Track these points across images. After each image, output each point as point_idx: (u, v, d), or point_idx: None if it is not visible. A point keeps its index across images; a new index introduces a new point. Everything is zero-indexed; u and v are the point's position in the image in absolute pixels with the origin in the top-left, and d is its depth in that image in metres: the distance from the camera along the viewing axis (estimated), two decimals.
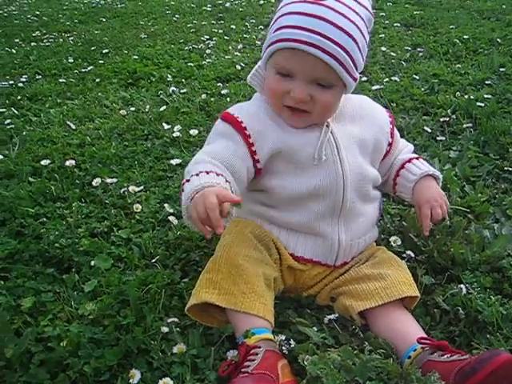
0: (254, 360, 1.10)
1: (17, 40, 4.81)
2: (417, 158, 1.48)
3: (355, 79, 1.26)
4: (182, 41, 4.30)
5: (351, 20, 1.20)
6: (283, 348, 1.19)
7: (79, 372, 1.19)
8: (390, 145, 1.43)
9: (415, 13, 4.74)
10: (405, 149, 1.51)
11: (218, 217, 1.05)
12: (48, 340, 1.28)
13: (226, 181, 1.17)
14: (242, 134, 1.27)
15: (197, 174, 1.15)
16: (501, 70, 3.02)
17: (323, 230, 1.32)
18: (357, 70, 1.25)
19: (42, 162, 2.18)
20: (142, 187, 1.96)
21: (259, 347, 1.13)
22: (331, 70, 1.20)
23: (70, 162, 2.14)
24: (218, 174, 1.16)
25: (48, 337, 1.29)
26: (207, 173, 1.15)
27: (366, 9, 1.25)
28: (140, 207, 1.81)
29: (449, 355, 1.10)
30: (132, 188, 1.91)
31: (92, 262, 1.56)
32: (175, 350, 1.22)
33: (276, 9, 1.31)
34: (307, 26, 1.18)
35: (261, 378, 1.06)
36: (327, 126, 1.31)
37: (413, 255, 1.49)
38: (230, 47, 4.02)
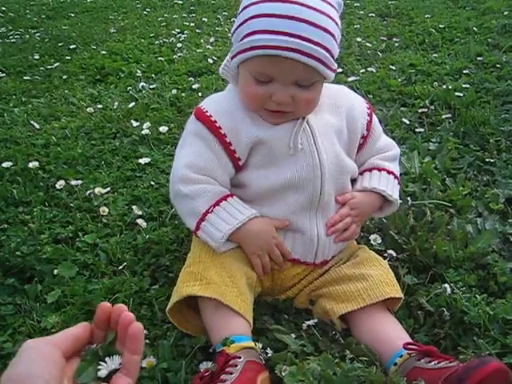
0: (232, 373, 1.03)
1: None
2: (379, 169, 1.35)
3: (334, 71, 1.21)
4: (152, 35, 4.20)
5: (324, 13, 1.13)
6: (260, 357, 1.13)
7: None
8: (364, 137, 1.34)
9: (390, 2, 4.68)
10: (385, 153, 1.39)
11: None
12: (8, 357, 1.21)
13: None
14: (217, 135, 1.22)
15: (209, 211, 1.22)
16: (478, 59, 2.98)
17: (301, 225, 1.26)
18: (334, 60, 1.19)
19: (4, 165, 2.08)
20: (109, 188, 1.88)
21: (239, 357, 1.07)
22: (311, 69, 1.14)
23: (33, 164, 2.04)
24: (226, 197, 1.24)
25: (8, 354, 1.22)
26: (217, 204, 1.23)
27: None
28: (107, 210, 1.73)
29: (436, 362, 1.05)
30: (98, 190, 1.82)
31: (55, 271, 1.48)
32: (144, 363, 1.16)
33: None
34: (282, 30, 1.10)
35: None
36: (302, 117, 1.25)
37: (394, 254, 1.44)
38: (202, 40, 3.93)
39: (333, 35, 1.15)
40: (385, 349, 1.14)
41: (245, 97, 1.23)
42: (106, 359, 0.69)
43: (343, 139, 1.30)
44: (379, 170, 1.35)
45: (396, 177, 1.37)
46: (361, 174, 1.37)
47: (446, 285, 1.30)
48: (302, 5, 1.11)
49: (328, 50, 1.14)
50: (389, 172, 1.35)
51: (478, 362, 0.98)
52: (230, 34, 3.96)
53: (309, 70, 1.14)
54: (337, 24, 1.17)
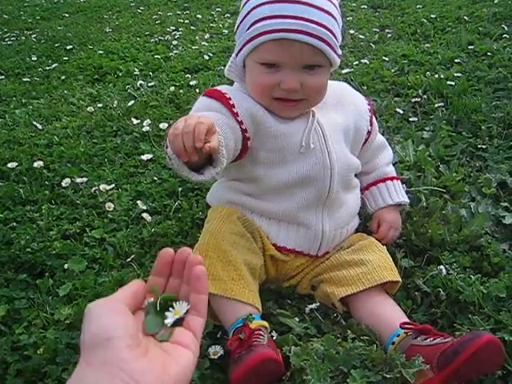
0: (263, 338, 1.11)
1: None
2: (391, 179, 1.49)
3: (339, 56, 1.24)
4: (147, 33, 4.24)
5: None
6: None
7: (57, 379, 1.16)
8: (369, 133, 1.42)
9: None
10: (385, 156, 1.51)
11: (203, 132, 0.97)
12: (24, 348, 1.26)
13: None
14: (231, 111, 1.21)
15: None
16: (469, 47, 3.02)
17: (307, 220, 1.31)
18: (339, 46, 1.23)
19: (9, 165, 2.12)
20: (113, 185, 1.92)
21: (262, 331, 1.13)
22: (318, 52, 1.18)
23: (38, 163, 2.09)
24: None
25: (24, 345, 1.26)
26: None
27: None
28: (112, 206, 1.77)
29: (432, 339, 1.10)
30: (103, 186, 1.87)
31: (65, 265, 1.52)
32: None
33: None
34: (287, 13, 1.14)
35: (275, 351, 1.08)
36: (313, 115, 1.29)
37: None
38: (197, 37, 3.97)
39: (334, 18, 1.18)
40: (383, 329, 1.18)
41: (253, 88, 1.26)
42: (174, 305, 0.69)
43: (349, 137, 1.34)
44: (391, 179, 1.49)
45: (400, 179, 1.54)
46: (374, 184, 1.48)
47: (442, 267, 1.34)
48: None
49: (332, 32, 1.17)
50: (397, 178, 1.52)
51: (471, 336, 1.03)
52: (224, 30, 4.02)
53: (316, 52, 1.17)
54: (336, 7, 1.20)
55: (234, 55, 1.30)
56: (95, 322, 0.62)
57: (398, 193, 1.48)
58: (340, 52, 1.24)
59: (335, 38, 1.19)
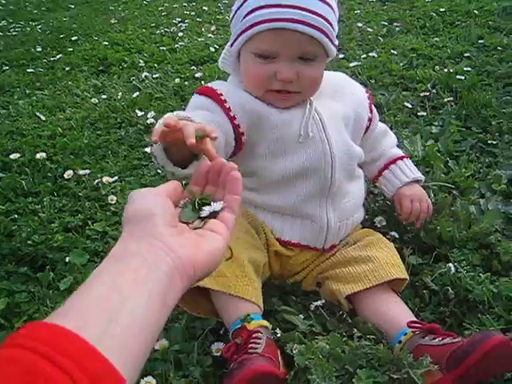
0: (259, 343, 1.07)
1: None
2: (401, 158, 1.48)
3: (336, 46, 1.22)
4: (153, 25, 4.21)
5: None
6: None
7: None
8: (370, 120, 1.39)
9: None
10: (388, 138, 1.50)
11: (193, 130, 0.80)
12: None
13: None
14: (222, 107, 1.17)
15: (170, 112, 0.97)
16: (479, 41, 2.98)
17: (311, 212, 1.27)
18: (335, 37, 1.21)
19: (12, 156, 2.11)
20: (116, 177, 1.90)
21: (261, 333, 1.10)
22: (316, 42, 1.15)
23: (40, 155, 2.07)
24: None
25: None
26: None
27: None
28: (115, 198, 1.75)
29: (440, 338, 1.07)
30: (106, 179, 1.85)
31: (67, 259, 1.51)
32: (157, 346, 1.18)
33: None
34: (284, 3, 1.11)
35: (270, 360, 1.03)
36: (310, 103, 1.26)
37: (397, 235, 1.46)
38: (203, 29, 3.94)
39: (332, 8, 1.16)
40: (390, 328, 1.15)
41: (248, 80, 1.23)
42: (211, 203, 0.74)
43: (349, 125, 1.32)
44: (401, 158, 1.48)
45: (408, 157, 1.53)
46: (386, 168, 1.47)
47: (451, 264, 1.31)
48: None
49: (329, 23, 1.15)
50: (406, 157, 1.51)
51: (482, 336, 1.00)
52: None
53: (313, 43, 1.15)
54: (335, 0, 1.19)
55: (227, 46, 1.27)
56: (137, 201, 0.68)
57: (411, 170, 1.47)
58: (337, 42, 1.22)
59: (332, 27, 1.17)
